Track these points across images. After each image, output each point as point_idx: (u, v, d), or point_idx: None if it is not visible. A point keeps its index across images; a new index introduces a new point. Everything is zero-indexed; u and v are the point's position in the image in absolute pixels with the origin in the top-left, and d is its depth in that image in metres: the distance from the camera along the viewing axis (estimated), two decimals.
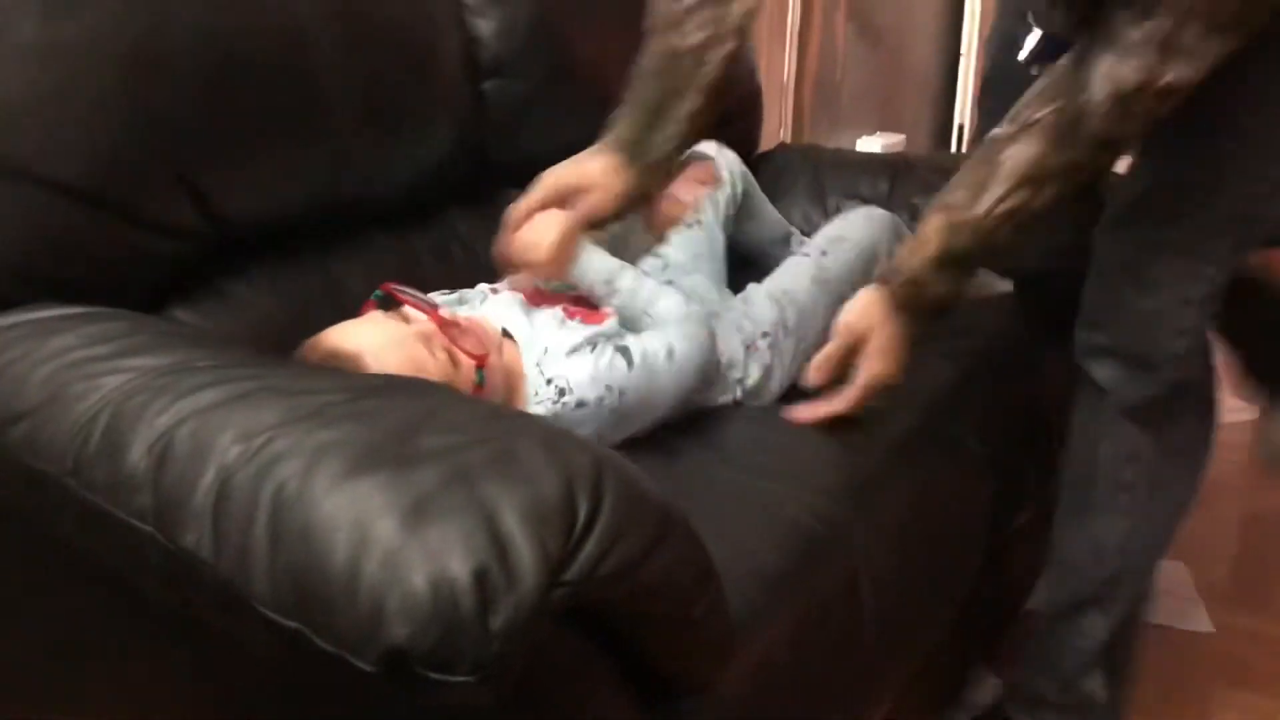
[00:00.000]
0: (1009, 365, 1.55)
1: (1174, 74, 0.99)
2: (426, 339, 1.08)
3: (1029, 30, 1.22)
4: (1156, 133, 1.09)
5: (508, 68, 1.49)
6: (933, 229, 1.13)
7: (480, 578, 0.61)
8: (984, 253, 1.14)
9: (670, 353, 1.18)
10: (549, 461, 0.68)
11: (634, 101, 1.17)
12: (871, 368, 1.16)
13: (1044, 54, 1.21)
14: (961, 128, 4.22)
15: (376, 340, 1.06)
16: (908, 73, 3.96)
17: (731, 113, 1.86)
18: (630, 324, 1.25)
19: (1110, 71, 1.01)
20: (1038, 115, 1.07)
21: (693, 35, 1.11)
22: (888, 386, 1.18)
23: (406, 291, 1.16)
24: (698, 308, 1.26)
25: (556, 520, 0.64)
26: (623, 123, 1.17)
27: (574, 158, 1.20)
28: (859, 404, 1.19)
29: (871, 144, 3.50)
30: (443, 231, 1.44)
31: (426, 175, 1.42)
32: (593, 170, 1.17)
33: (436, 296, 1.30)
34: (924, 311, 1.16)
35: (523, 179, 1.58)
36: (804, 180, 1.98)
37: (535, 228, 1.20)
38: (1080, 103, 1.04)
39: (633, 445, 1.15)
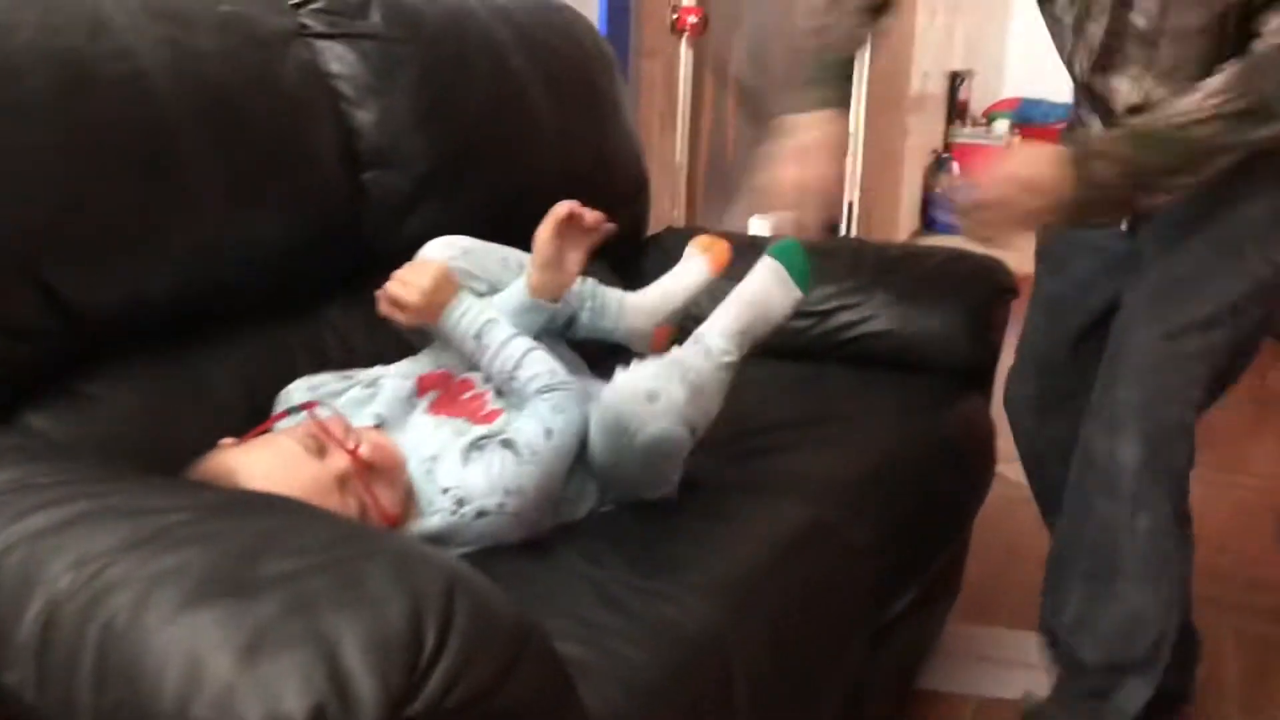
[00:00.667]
0: (912, 459, 1.57)
1: None
2: (342, 484, 1.04)
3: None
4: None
5: (388, 159, 1.48)
6: (1122, 129, 1.29)
7: (317, 716, 0.58)
8: (1170, 160, 1.25)
9: (548, 432, 1.17)
10: (396, 585, 0.66)
11: (821, 69, 1.46)
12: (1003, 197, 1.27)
13: None
14: (851, 205, 4.35)
15: (290, 480, 1.00)
16: None
17: (620, 196, 1.88)
18: (498, 385, 1.24)
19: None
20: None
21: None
22: (985, 227, 1.29)
23: (322, 418, 1.11)
24: (565, 376, 1.23)
25: (401, 650, 0.63)
26: (822, 88, 1.44)
27: (793, 125, 1.41)
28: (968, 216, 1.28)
29: (763, 224, 3.57)
30: (317, 324, 1.41)
31: (301, 267, 1.40)
32: (821, 125, 1.41)
33: (329, 378, 1.28)
34: (1086, 187, 1.24)
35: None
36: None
37: (412, 269, 1.23)
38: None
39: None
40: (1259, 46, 1.22)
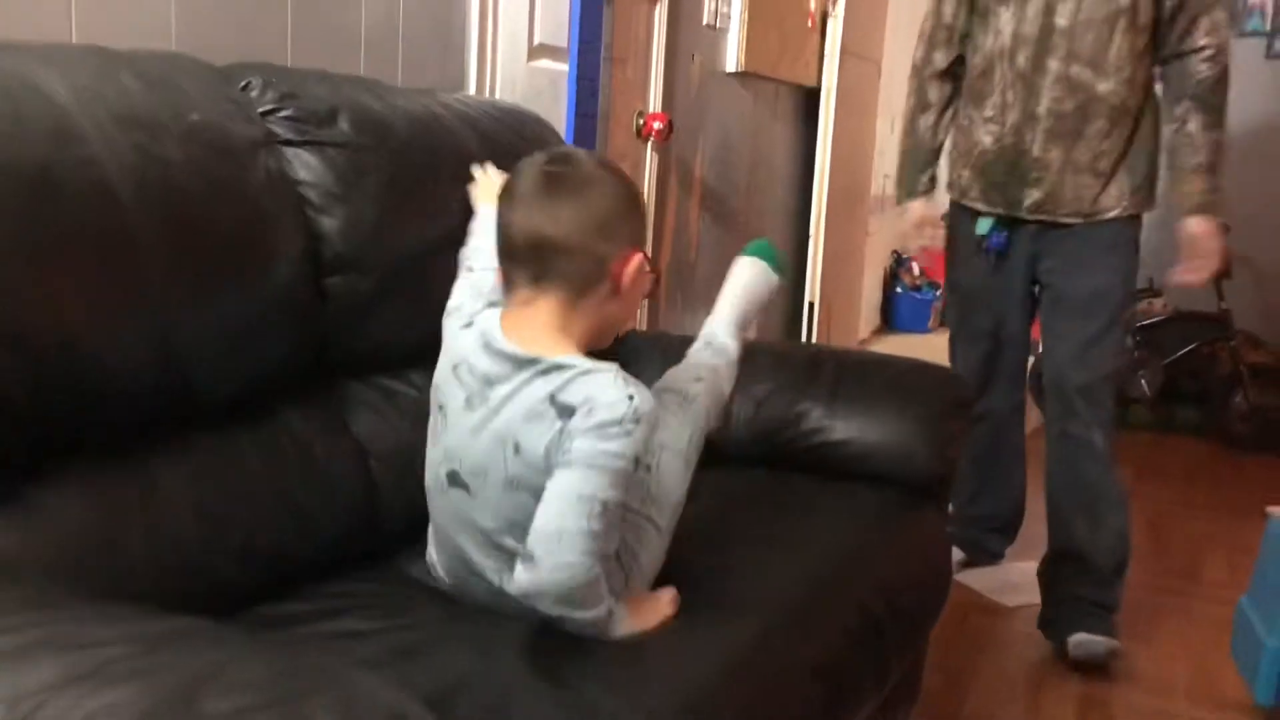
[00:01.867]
0: (868, 574, 1.58)
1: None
2: None
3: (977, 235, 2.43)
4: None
5: (351, 264, 1.49)
6: (1182, 182, 2.25)
7: None
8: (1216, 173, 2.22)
9: None
10: None
11: (917, 159, 2.51)
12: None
13: (999, 241, 2.39)
14: (812, 305, 4.40)
15: None
16: None
17: None
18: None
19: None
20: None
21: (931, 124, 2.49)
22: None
23: None
24: None
25: None
26: (919, 176, 2.50)
27: (917, 204, 2.53)
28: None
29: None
30: (274, 428, 1.40)
31: (259, 371, 1.39)
32: (926, 209, 2.51)
33: None
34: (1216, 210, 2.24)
35: (364, 371, 1.58)
36: (650, 368, 2.02)
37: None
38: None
39: (453, 659, 1.11)
40: (1199, 67, 2.17)
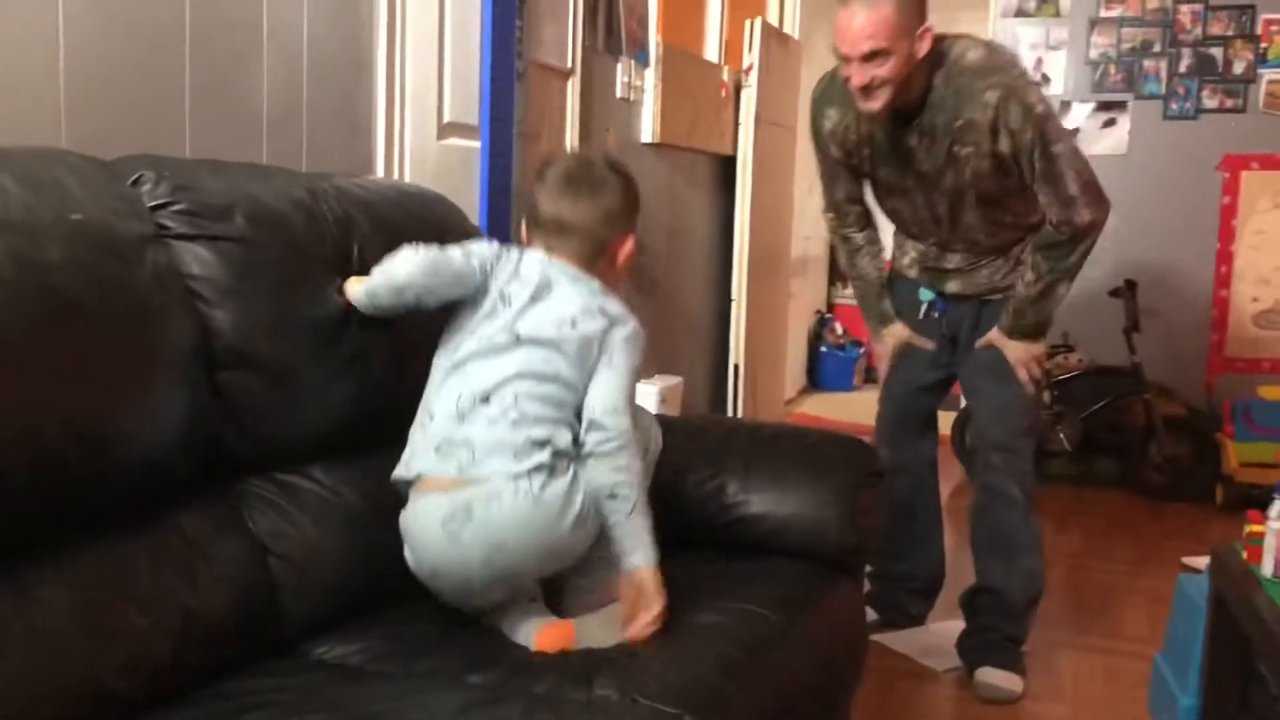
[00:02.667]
0: (782, 650, 1.57)
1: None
2: None
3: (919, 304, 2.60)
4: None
5: (245, 360, 1.46)
6: (1015, 308, 2.42)
7: None
8: (1046, 308, 2.42)
9: None
10: None
11: (871, 297, 2.64)
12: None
13: (939, 309, 2.58)
14: (737, 367, 4.43)
15: None
16: (683, 318, 4.16)
17: None
18: None
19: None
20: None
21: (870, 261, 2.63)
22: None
23: None
24: None
25: None
26: (882, 307, 2.63)
27: (887, 334, 2.67)
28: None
29: (649, 387, 3.62)
30: (164, 529, 1.35)
31: (148, 473, 1.35)
32: (904, 331, 2.62)
33: None
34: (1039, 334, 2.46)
35: (263, 467, 1.55)
36: None
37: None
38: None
39: None
40: (1051, 229, 2.29)
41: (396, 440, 1.57)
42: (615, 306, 1.59)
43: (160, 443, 1.35)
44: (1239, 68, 4.44)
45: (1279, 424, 3.96)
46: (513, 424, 1.48)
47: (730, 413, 4.46)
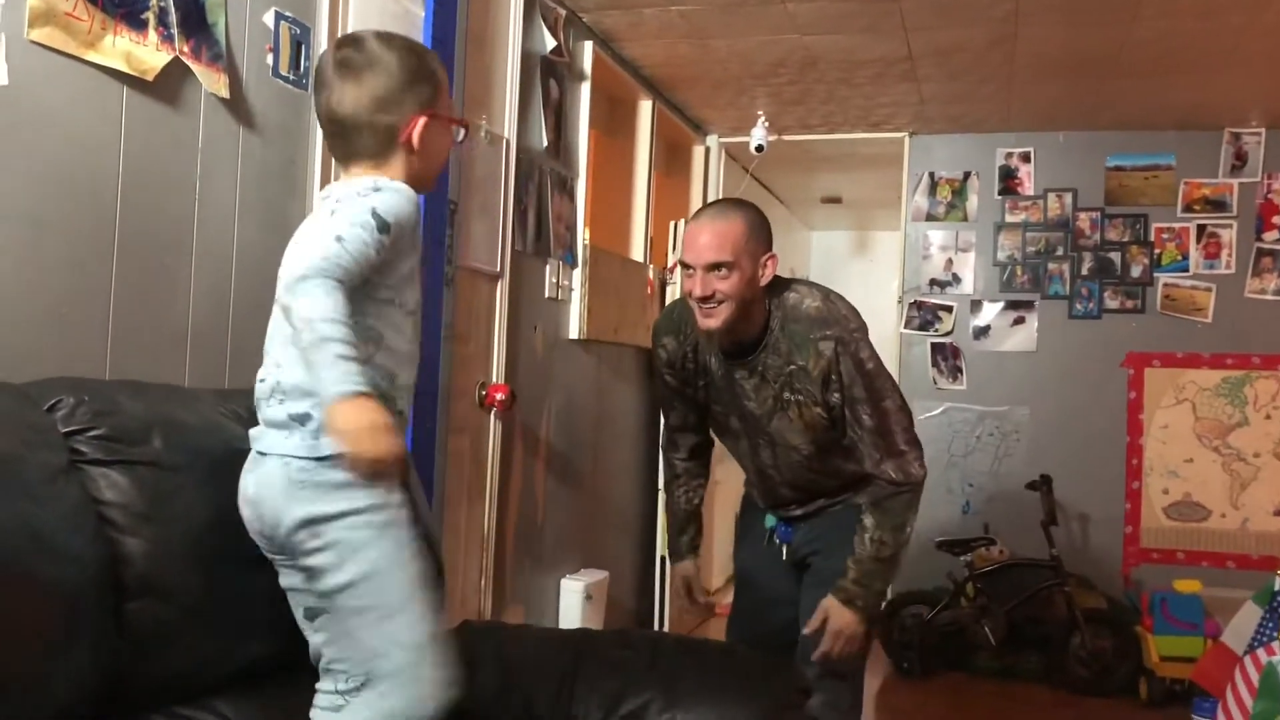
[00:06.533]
0: None
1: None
2: None
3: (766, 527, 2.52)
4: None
5: (155, 588, 1.42)
6: (852, 572, 2.24)
7: None
8: (883, 574, 2.26)
9: None
10: None
11: (673, 526, 2.59)
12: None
13: (781, 535, 2.47)
14: (663, 559, 4.40)
15: None
16: (611, 510, 4.14)
17: None
18: None
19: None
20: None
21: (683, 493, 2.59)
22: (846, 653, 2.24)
23: None
24: None
25: None
26: (679, 541, 2.57)
27: (675, 568, 2.59)
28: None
29: (575, 583, 3.57)
30: None
31: (49, 703, 1.28)
32: (691, 569, 2.56)
33: None
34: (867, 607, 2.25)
35: (164, 701, 1.48)
36: (489, 660, 1.96)
37: None
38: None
39: None
40: (881, 484, 2.22)
41: (306, 672, 1.52)
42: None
43: (61, 671, 1.29)
44: (1136, 271, 4.70)
45: (1195, 618, 4.00)
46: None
47: (658, 607, 4.40)
